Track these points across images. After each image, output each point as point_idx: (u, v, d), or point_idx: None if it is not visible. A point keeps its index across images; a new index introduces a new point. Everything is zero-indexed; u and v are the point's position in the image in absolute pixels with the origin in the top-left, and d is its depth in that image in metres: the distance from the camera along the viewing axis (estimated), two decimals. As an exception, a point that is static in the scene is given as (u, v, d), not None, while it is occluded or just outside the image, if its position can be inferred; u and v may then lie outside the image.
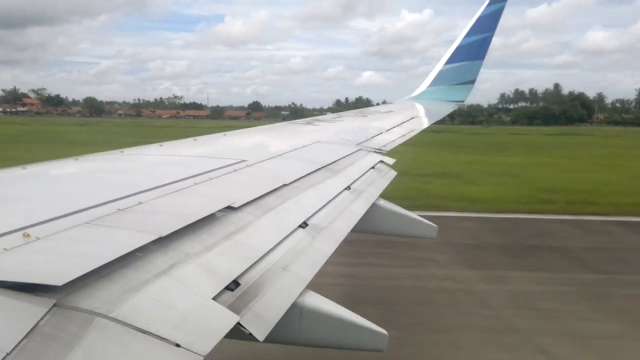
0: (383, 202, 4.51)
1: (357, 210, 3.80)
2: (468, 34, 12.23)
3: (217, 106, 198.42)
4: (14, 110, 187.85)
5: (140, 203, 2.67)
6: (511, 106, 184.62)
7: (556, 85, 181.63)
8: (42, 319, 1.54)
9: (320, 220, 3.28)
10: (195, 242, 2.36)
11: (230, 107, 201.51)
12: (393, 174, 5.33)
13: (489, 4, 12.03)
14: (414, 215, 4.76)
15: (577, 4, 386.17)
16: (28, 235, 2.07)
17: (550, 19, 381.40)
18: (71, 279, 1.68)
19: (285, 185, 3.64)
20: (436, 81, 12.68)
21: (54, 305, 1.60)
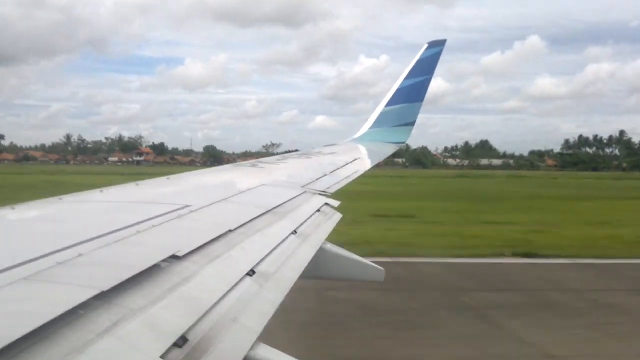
0: (330, 246, 4.51)
1: (304, 255, 3.78)
2: (407, 77, 12.57)
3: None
4: (130, 159, 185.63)
5: (80, 255, 2.56)
6: (568, 151, 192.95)
7: (621, 132, 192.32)
8: None
9: (268, 266, 3.24)
10: (139, 296, 2.27)
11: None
12: (338, 216, 5.36)
13: (427, 47, 12.47)
14: (361, 258, 4.78)
15: (528, 53, 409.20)
16: None
17: (502, 66, 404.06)
18: (8, 342, 1.58)
19: (230, 231, 3.58)
20: (377, 123, 12.90)
21: None
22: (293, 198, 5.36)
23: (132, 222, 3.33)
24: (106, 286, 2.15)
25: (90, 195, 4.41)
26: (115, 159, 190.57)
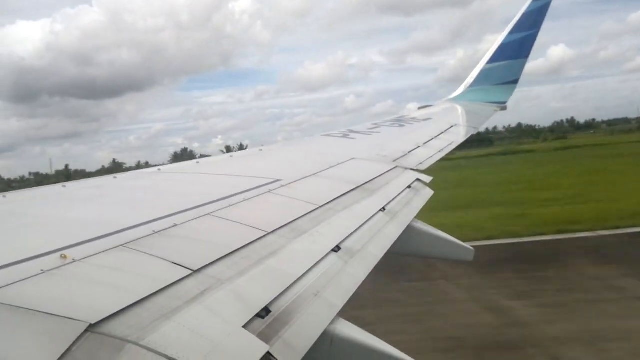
0: (419, 224, 4.43)
1: (391, 233, 3.75)
2: (512, 32, 11.48)
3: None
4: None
5: (175, 225, 2.70)
6: None
7: None
8: (74, 343, 1.56)
9: (354, 243, 3.24)
10: (227, 268, 2.36)
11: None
12: (430, 193, 5.24)
13: (534, 0, 11.41)
14: (450, 237, 4.66)
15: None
16: (65, 257, 2.11)
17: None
18: (104, 316, 1.72)
19: (319, 207, 3.62)
20: (478, 81, 12.00)
21: (87, 330, 1.63)
22: (383, 174, 5.30)
23: (225, 194, 3.45)
24: (197, 265, 2.26)
25: (187, 166, 4.62)
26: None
